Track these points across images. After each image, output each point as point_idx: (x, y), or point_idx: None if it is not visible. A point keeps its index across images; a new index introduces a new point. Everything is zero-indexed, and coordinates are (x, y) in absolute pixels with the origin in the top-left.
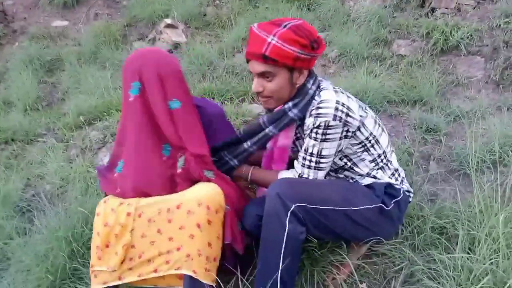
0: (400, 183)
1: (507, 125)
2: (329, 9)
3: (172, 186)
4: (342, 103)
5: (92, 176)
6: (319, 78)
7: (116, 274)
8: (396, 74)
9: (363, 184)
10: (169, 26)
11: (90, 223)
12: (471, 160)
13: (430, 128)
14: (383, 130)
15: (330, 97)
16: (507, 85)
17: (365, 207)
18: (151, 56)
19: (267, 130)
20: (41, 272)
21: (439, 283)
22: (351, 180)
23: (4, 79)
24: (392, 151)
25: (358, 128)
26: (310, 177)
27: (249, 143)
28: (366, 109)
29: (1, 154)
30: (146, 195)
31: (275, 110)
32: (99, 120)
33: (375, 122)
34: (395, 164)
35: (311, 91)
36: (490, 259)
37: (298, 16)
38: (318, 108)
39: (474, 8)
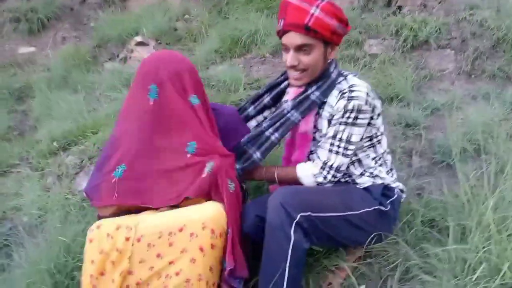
0: (394, 182)
1: (483, 113)
2: None
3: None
4: (370, 89)
5: (71, 203)
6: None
7: None
8: (371, 73)
9: (361, 187)
10: (140, 43)
11: (73, 252)
12: (453, 150)
13: (409, 123)
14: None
15: (360, 83)
16: (479, 75)
17: (364, 210)
18: (164, 56)
19: (289, 115)
20: None
21: (435, 276)
22: (349, 180)
23: None
24: (388, 151)
25: (378, 118)
26: (336, 164)
27: (271, 130)
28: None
29: None
30: (149, 202)
31: (296, 94)
32: (75, 145)
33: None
34: (389, 162)
35: (333, 75)
36: (483, 247)
37: (269, 24)
38: (351, 91)
39: (439, 3)
